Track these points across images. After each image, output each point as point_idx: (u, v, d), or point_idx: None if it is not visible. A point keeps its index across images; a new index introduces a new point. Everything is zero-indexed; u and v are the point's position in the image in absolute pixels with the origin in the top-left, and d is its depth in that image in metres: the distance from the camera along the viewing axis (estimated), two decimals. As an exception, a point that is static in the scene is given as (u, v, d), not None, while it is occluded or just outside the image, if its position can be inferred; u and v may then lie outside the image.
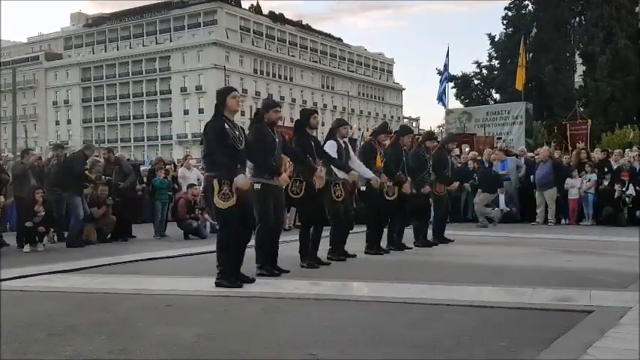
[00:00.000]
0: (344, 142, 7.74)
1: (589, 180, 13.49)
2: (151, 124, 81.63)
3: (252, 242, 6.28)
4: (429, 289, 5.64)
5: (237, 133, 5.71)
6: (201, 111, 71.85)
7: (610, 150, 16.14)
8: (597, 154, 14.97)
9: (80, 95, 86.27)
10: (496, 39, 35.55)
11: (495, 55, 35.81)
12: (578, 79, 35.26)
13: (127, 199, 11.56)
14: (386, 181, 8.40)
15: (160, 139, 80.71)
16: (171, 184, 12.52)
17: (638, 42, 31.50)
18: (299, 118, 7.28)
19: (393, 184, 8.51)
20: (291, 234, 8.47)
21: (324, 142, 7.62)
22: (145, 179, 13.80)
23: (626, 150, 16.17)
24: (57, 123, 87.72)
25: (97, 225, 10.73)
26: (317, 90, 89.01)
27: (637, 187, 13.12)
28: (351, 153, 7.94)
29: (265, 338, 3.97)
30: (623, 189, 13.01)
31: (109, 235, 10.88)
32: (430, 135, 10.11)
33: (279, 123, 7.10)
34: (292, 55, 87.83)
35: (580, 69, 35.13)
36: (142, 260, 7.98)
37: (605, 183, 13.35)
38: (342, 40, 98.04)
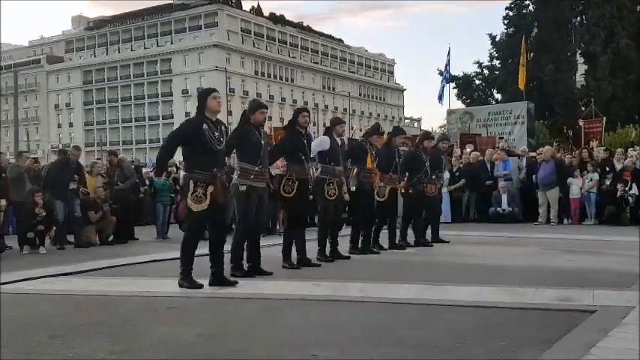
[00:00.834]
0: (340, 139, 7.80)
1: (591, 179, 13.47)
2: (153, 127, 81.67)
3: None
4: (429, 290, 5.63)
5: (216, 134, 5.71)
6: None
7: (612, 149, 16.10)
8: (600, 154, 14.94)
9: (82, 98, 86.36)
10: (497, 39, 35.50)
11: (496, 55, 35.75)
12: (579, 79, 35.20)
13: (127, 200, 11.56)
14: (378, 182, 8.46)
15: (161, 142, 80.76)
16: (172, 186, 12.53)
17: (640, 41, 31.49)
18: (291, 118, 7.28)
19: (384, 185, 8.55)
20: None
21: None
22: (146, 181, 13.81)
23: (629, 149, 16.14)
24: (59, 126, 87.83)
25: (98, 226, 10.74)
26: (318, 91, 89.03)
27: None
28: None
29: (265, 338, 3.97)
30: (626, 188, 12.99)
31: (110, 237, 10.88)
32: (427, 135, 10.10)
33: (268, 125, 7.14)
34: (293, 57, 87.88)
35: (581, 68, 35.07)
36: (143, 262, 7.98)
37: (608, 182, 13.32)
38: (342, 41, 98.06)
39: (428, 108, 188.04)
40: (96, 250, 9.76)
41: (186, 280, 5.72)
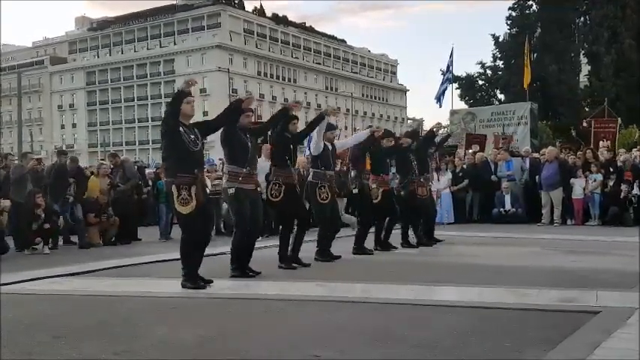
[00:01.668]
0: (331, 145, 7.86)
1: (595, 180, 13.44)
2: (156, 127, 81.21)
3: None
4: (431, 290, 5.63)
5: (192, 136, 5.76)
6: (205, 114, 71.68)
7: (616, 150, 16.06)
8: (604, 154, 14.90)
9: (85, 99, 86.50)
10: (500, 39, 35.45)
11: (499, 55, 35.69)
12: (583, 79, 35.13)
13: (129, 201, 11.58)
14: (370, 184, 8.51)
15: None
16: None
17: (644, 42, 31.38)
18: (280, 120, 7.20)
19: (377, 186, 8.58)
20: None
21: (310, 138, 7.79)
22: (150, 182, 13.81)
23: (632, 150, 16.10)
24: (62, 127, 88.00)
25: (100, 228, 10.75)
26: (321, 91, 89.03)
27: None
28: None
29: (267, 339, 3.97)
30: (629, 189, 12.95)
31: (112, 238, 10.90)
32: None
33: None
34: (296, 57, 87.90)
35: (585, 69, 35.01)
36: (146, 263, 7.99)
37: (611, 183, 13.29)
38: (345, 42, 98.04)
39: (430, 108, 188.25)
40: (99, 251, 9.77)
41: (190, 281, 5.74)
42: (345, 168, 11.04)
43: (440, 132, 11.11)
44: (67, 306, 5.26)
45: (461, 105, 33.06)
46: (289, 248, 7.21)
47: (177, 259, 8.17)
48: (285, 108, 7.11)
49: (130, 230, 11.43)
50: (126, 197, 11.43)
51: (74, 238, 10.71)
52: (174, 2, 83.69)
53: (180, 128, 5.71)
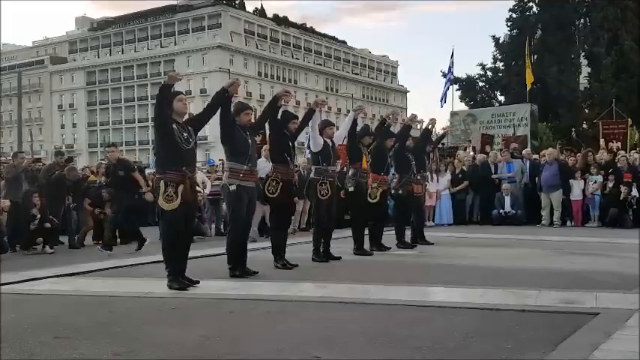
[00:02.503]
0: (331, 141, 7.86)
1: (595, 182, 13.45)
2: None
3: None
4: (432, 291, 5.64)
5: (185, 134, 5.76)
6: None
7: (615, 152, 16.05)
8: (604, 156, 14.91)
9: (85, 99, 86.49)
10: (500, 41, 35.46)
11: (500, 57, 35.70)
12: (583, 81, 35.13)
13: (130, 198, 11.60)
14: (370, 183, 8.52)
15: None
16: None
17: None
18: (278, 118, 7.19)
19: (377, 186, 8.59)
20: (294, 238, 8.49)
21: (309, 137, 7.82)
22: (150, 182, 13.80)
23: (632, 152, 16.10)
24: (62, 126, 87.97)
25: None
26: (321, 92, 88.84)
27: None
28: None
29: (267, 339, 3.97)
30: (629, 190, 12.96)
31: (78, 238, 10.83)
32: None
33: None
34: (296, 58, 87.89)
35: (585, 70, 35.01)
36: (147, 263, 7.99)
37: (611, 185, 13.30)
38: (346, 43, 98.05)
39: (431, 110, 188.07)
40: (99, 251, 9.77)
41: (175, 281, 5.73)
42: (344, 168, 10.97)
43: (434, 128, 11.13)
44: (67, 306, 5.26)
45: (461, 106, 33.10)
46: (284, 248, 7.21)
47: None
48: (275, 97, 7.02)
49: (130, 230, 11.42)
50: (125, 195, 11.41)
51: (63, 239, 10.74)
52: (175, 2, 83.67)
53: (174, 125, 5.72)
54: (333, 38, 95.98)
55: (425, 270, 7.31)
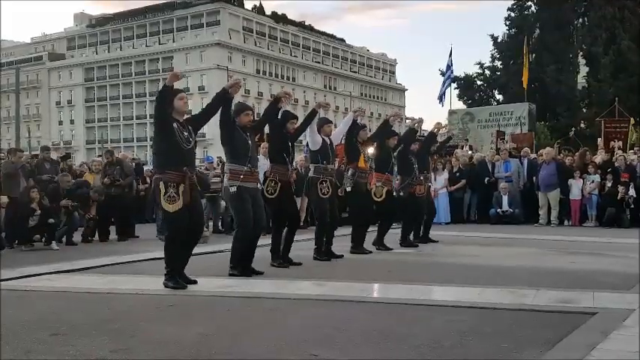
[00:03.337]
0: (329, 139, 7.85)
1: (592, 181, 13.47)
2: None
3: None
4: (431, 290, 5.64)
5: (185, 133, 5.71)
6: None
7: (616, 150, 16.07)
8: (601, 156, 14.93)
9: (83, 95, 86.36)
10: (499, 40, 35.49)
11: (498, 55, 35.74)
12: (581, 80, 35.18)
13: (127, 195, 11.58)
14: (374, 182, 8.51)
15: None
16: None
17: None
18: (278, 118, 7.18)
19: (382, 185, 8.59)
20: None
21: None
22: (147, 179, 13.80)
23: (629, 151, 16.13)
24: (60, 123, 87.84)
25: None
26: (319, 90, 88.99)
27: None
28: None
29: (267, 338, 3.97)
30: (626, 190, 12.98)
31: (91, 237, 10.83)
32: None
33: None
34: (295, 56, 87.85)
35: (583, 70, 35.06)
36: (144, 260, 7.99)
37: (609, 184, 13.32)
38: (344, 41, 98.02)
39: (429, 108, 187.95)
40: (97, 248, 9.77)
41: (171, 280, 5.70)
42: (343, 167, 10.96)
43: (440, 132, 11.13)
44: (64, 303, 5.25)
45: (459, 105, 33.13)
46: (280, 247, 7.21)
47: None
48: (276, 98, 7.00)
49: (127, 227, 11.43)
50: (123, 194, 11.40)
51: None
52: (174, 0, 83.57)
53: (175, 124, 5.67)
54: (332, 36, 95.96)
55: (423, 269, 7.32)
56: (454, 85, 31.29)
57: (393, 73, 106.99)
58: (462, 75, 35.66)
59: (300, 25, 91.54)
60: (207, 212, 12.73)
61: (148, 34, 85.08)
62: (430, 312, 4.71)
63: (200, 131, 6.37)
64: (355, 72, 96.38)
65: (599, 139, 18.40)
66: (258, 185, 6.72)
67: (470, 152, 16.68)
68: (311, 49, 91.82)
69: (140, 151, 74.21)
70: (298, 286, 5.84)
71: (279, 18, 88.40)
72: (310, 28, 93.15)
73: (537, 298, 5.17)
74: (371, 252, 8.55)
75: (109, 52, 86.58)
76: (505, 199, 14.13)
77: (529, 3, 35.55)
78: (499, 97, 35.66)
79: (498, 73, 35.63)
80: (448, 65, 26.62)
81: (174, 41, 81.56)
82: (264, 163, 8.22)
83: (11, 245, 9.77)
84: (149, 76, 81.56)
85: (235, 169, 6.38)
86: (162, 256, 8.08)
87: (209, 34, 79.15)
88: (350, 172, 8.41)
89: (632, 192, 13.00)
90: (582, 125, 31.15)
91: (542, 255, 8.47)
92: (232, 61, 75.13)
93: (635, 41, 30.46)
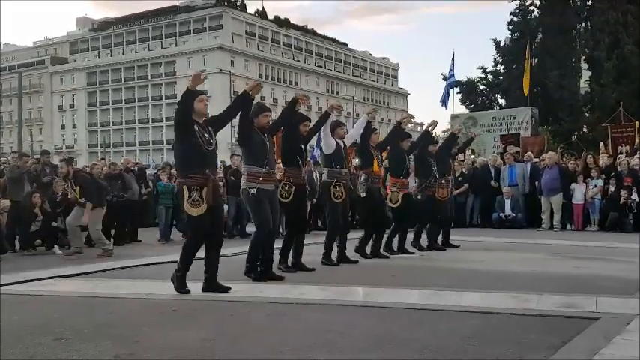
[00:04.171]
0: (343, 142, 7.80)
1: (595, 186, 13.45)
2: (157, 129, 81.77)
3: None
4: (434, 295, 5.63)
5: (206, 135, 5.65)
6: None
7: (624, 155, 16.03)
8: (604, 160, 14.92)
9: (86, 99, 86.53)
10: (501, 44, 35.47)
11: (501, 60, 35.72)
12: (583, 85, 35.13)
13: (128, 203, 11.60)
14: (390, 188, 8.47)
15: (165, 144, 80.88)
16: (175, 188, 12.49)
17: (645, 47, 31.34)
18: (291, 112, 7.10)
19: (397, 190, 8.54)
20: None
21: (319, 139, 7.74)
22: (150, 183, 13.81)
23: (635, 156, 16.09)
24: (62, 127, 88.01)
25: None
26: (322, 94, 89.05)
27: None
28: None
29: (270, 343, 3.97)
30: (629, 195, 12.96)
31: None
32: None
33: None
34: (297, 60, 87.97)
35: (586, 74, 35.01)
36: (147, 264, 7.99)
37: (612, 189, 13.30)
38: (347, 45, 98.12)
39: (432, 112, 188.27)
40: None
41: (178, 280, 5.68)
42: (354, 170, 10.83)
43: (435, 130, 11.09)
44: (67, 307, 5.26)
45: (462, 109, 33.11)
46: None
47: (177, 261, 8.28)
48: (295, 99, 6.95)
49: (130, 232, 11.45)
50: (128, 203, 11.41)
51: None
52: (176, 4, 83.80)
53: (195, 127, 5.59)
54: (334, 40, 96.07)
55: (426, 273, 7.30)
56: (456, 89, 31.29)
57: (396, 77, 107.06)
58: (465, 79, 35.65)
59: (303, 30, 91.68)
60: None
61: (150, 39, 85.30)
62: (433, 316, 4.71)
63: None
64: (358, 76, 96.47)
65: (600, 144, 18.36)
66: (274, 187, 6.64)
67: (472, 157, 16.65)
68: (313, 53, 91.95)
69: (142, 155, 74.27)
70: (302, 291, 5.84)
71: (281, 22, 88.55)
72: (313, 33, 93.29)
73: (541, 302, 5.16)
74: (383, 256, 8.46)
75: (111, 56, 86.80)
76: (508, 203, 14.12)
77: (532, 7, 35.55)
78: (502, 101, 35.62)
79: (501, 77, 35.58)
80: (450, 69, 26.64)
81: (176, 45, 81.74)
82: None
83: (14, 249, 9.78)
84: (151, 80, 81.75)
85: (253, 171, 6.32)
86: (165, 260, 8.19)
87: (211, 38, 79.31)
88: (363, 177, 8.28)
89: (634, 196, 12.99)
90: (585, 130, 31.09)
91: (545, 260, 8.46)
92: (235, 66, 75.23)
93: (638, 46, 30.44)
